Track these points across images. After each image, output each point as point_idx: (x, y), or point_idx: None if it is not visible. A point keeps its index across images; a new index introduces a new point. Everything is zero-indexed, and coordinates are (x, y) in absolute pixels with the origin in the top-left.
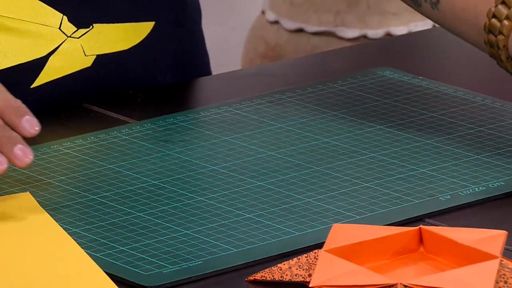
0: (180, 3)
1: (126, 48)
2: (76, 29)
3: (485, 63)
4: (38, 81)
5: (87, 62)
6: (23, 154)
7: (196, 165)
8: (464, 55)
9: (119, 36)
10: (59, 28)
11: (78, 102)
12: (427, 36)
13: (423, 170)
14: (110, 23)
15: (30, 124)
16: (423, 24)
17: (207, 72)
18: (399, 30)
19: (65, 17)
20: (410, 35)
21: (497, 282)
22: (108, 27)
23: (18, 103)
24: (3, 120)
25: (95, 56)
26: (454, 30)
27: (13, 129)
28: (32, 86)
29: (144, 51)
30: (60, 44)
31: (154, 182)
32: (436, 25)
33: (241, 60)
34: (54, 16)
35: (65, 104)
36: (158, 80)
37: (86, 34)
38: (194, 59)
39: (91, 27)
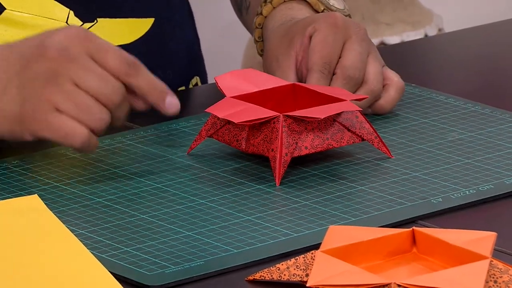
0: (176, 4)
1: (128, 42)
2: (82, 23)
3: (475, 71)
4: None
5: None
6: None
7: (197, 169)
8: (454, 64)
9: (122, 31)
10: (66, 22)
11: None
12: (419, 45)
13: (416, 174)
14: (113, 18)
15: (171, 106)
16: (415, 34)
17: (203, 72)
18: (392, 39)
19: (71, 12)
20: (403, 44)
21: (487, 282)
22: (111, 21)
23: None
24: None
25: None
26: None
27: (157, 109)
28: None
29: (145, 46)
30: None
31: (157, 185)
32: (428, 35)
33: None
34: (61, 11)
35: None
36: (159, 74)
37: (91, 28)
38: (192, 58)
39: (95, 21)
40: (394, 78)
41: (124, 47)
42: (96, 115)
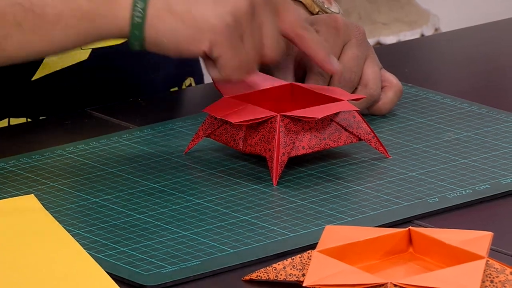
0: None
1: (119, 42)
2: None
3: (471, 71)
4: (38, 74)
5: (84, 55)
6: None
7: (194, 169)
8: (451, 64)
9: None
10: None
11: (76, 94)
12: (415, 45)
13: (412, 173)
14: None
15: (335, 63)
16: (412, 33)
17: (199, 72)
18: (389, 39)
19: None
20: (399, 44)
21: (483, 282)
22: None
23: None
24: None
25: (90, 50)
26: None
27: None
28: (32, 79)
29: None
30: None
31: (153, 185)
32: (425, 34)
33: None
34: None
35: (65, 95)
36: (150, 75)
37: None
38: (184, 59)
39: None
40: (393, 80)
41: (115, 47)
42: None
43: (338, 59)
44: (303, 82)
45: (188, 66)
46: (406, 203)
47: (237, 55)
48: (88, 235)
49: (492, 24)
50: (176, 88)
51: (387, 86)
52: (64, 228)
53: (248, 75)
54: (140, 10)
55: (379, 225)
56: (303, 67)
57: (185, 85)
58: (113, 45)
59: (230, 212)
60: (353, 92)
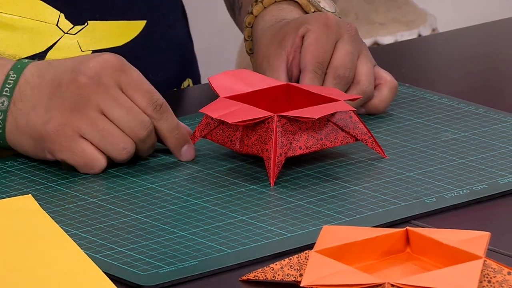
0: (169, 5)
1: (119, 44)
2: (72, 26)
3: (469, 71)
4: None
5: None
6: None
7: (191, 169)
8: (448, 64)
9: (113, 33)
10: (57, 25)
11: None
12: (413, 45)
13: (410, 173)
14: (103, 21)
15: (186, 155)
16: (409, 34)
17: (196, 73)
18: (386, 39)
19: (62, 15)
20: (396, 44)
21: (480, 282)
22: (101, 24)
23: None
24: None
25: (91, 51)
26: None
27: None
28: None
29: (136, 48)
30: (58, 40)
31: (151, 185)
32: (422, 34)
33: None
34: (52, 14)
35: None
36: (150, 76)
37: (82, 30)
38: (184, 59)
39: (86, 24)
40: (387, 77)
41: (115, 49)
42: (119, 145)
43: (331, 56)
44: (298, 81)
45: (187, 66)
46: (403, 203)
47: (75, 153)
48: (85, 235)
49: (490, 24)
50: (175, 89)
51: (382, 84)
52: (62, 228)
53: (99, 166)
54: (0, 121)
55: (376, 225)
56: (296, 66)
57: (183, 86)
58: (113, 47)
59: (228, 213)
60: (346, 90)
